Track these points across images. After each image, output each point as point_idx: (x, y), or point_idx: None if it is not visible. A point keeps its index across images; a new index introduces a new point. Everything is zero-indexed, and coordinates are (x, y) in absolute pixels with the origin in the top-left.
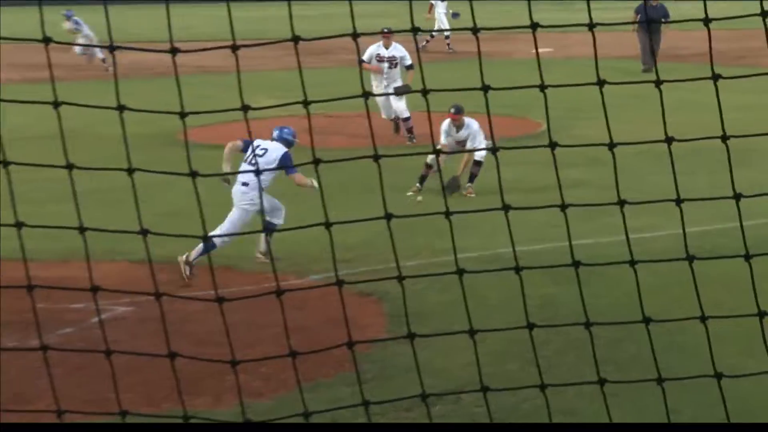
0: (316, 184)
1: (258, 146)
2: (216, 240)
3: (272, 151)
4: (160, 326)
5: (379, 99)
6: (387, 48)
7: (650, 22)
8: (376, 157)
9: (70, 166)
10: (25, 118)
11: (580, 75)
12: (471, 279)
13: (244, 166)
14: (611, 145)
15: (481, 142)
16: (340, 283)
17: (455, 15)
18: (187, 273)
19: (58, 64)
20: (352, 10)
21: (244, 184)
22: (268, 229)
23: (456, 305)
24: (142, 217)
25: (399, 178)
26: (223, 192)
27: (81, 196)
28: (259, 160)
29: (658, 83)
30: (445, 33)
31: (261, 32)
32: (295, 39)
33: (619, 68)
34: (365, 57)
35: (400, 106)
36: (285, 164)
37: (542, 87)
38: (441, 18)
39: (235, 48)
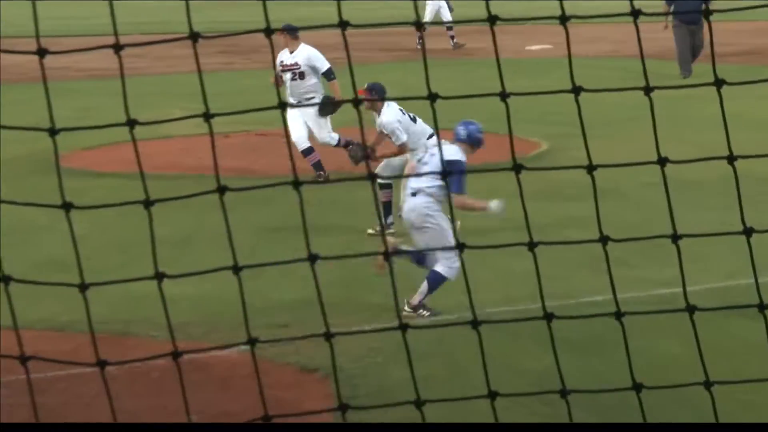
0: (494, 206)
1: (430, 148)
2: (443, 269)
3: (446, 154)
4: (40, 413)
5: (288, 117)
6: (291, 52)
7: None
8: (297, 184)
9: None
10: None
11: (585, 78)
12: (451, 350)
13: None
14: (590, 168)
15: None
16: (252, 342)
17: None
18: (425, 314)
19: None
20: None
21: (414, 194)
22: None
23: (429, 382)
24: (11, 267)
25: (350, 216)
26: (118, 233)
27: None
28: (425, 168)
29: (647, 91)
30: (424, 26)
31: (166, 24)
32: (194, 36)
33: (639, 71)
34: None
35: (321, 132)
36: (451, 176)
37: (503, 95)
38: (440, 9)
39: (117, 48)
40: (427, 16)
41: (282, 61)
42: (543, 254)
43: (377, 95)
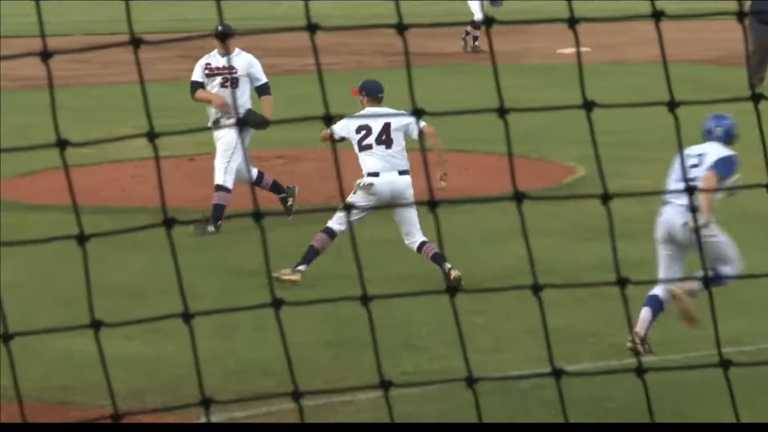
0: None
1: (691, 154)
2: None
3: (711, 153)
4: None
5: (216, 143)
6: (224, 55)
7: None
8: (257, 216)
9: None
10: None
11: (634, 88)
12: (468, 421)
13: (675, 185)
14: (604, 197)
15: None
16: (206, 402)
17: (495, 1)
18: (646, 348)
19: None
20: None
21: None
22: (713, 281)
23: None
24: None
25: (342, 259)
26: (59, 281)
27: None
28: (696, 172)
29: (672, 106)
30: (478, 24)
31: (115, 23)
32: (135, 42)
33: (697, 79)
34: (194, 75)
35: (223, 156)
36: (724, 171)
37: (502, 111)
38: (473, 4)
39: (45, 56)
40: (478, 14)
41: (209, 64)
42: (586, 306)
43: (365, 93)
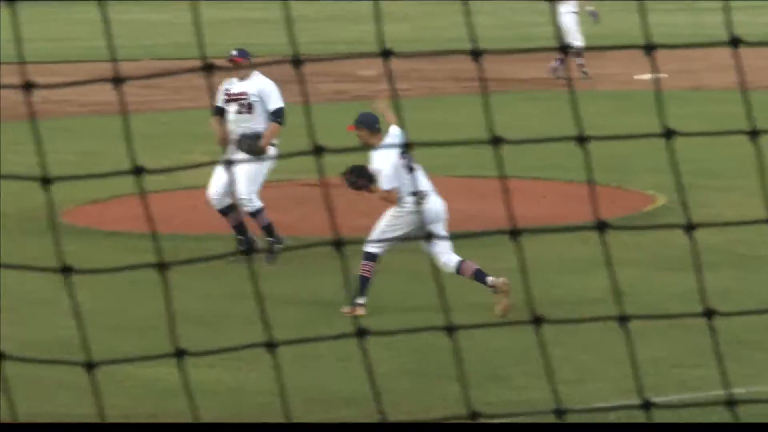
0: None
1: None
2: None
3: None
4: None
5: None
6: (242, 79)
7: None
8: (338, 245)
9: None
10: None
11: (711, 116)
12: None
13: None
14: (688, 227)
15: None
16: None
17: (593, 15)
18: None
19: None
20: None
21: None
22: None
23: None
24: (6, 348)
25: (425, 287)
26: (134, 310)
27: None
28: None
29: (753, 135)
30: (575, 49)
31: (182, 48)
32: (208, 67)
33: None
34: (216, 100)
35: (248, 187)
36: None
37: (581, 139)
38: (566, 23)
39: (117, 81)
40: (569, 34)
41: (228, 89)
42: (667, 337)
43: (365, 126)
